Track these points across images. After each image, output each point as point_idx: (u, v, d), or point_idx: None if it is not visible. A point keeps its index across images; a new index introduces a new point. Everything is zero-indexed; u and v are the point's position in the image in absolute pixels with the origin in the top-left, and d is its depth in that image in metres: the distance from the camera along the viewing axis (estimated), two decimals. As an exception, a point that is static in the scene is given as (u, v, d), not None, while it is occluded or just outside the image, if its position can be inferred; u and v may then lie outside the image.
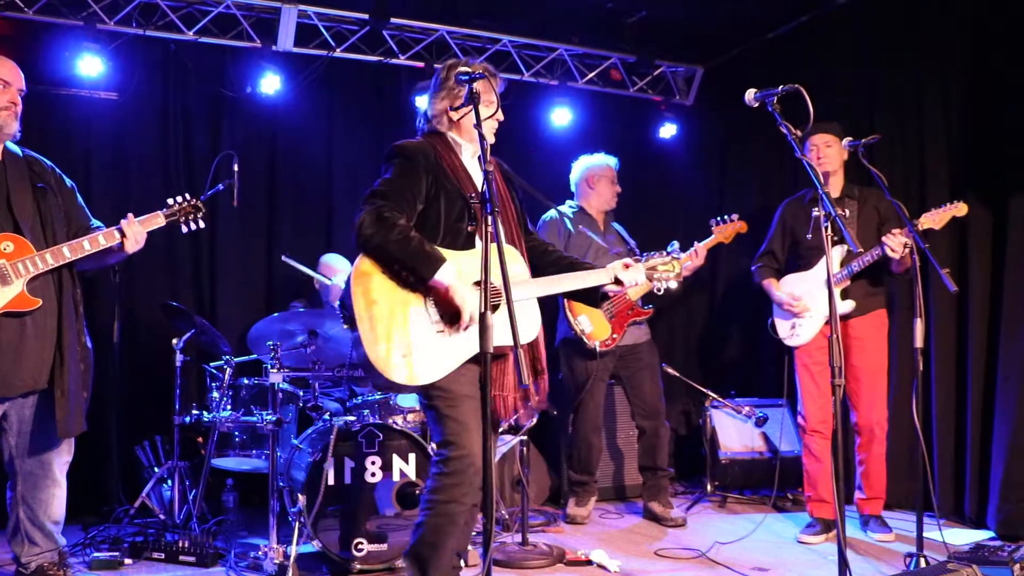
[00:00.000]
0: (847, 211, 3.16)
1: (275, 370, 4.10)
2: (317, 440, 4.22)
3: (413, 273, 2.99)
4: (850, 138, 3.94)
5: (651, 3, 5.86)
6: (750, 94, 3.29)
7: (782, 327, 4.84)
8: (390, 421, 4.49)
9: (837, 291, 4.57)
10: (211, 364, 4.79)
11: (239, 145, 4.84)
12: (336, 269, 5.46)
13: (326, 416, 4.42)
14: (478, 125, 2.64)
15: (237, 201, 3.98)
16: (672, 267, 3.39)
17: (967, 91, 5.05)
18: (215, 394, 4.60)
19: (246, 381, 4.67)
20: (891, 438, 5.33)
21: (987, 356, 4.87)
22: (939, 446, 5.06)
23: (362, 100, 6.25)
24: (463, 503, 3.01)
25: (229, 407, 4.56)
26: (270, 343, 4.19)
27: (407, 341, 2.96)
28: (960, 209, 4.32)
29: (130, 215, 3.66)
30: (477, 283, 3.00)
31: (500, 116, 3.21)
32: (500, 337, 2.90)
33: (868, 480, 4.73)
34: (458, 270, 3.00)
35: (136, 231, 3.63)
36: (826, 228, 3.03)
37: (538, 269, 3.32)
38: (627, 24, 6.08)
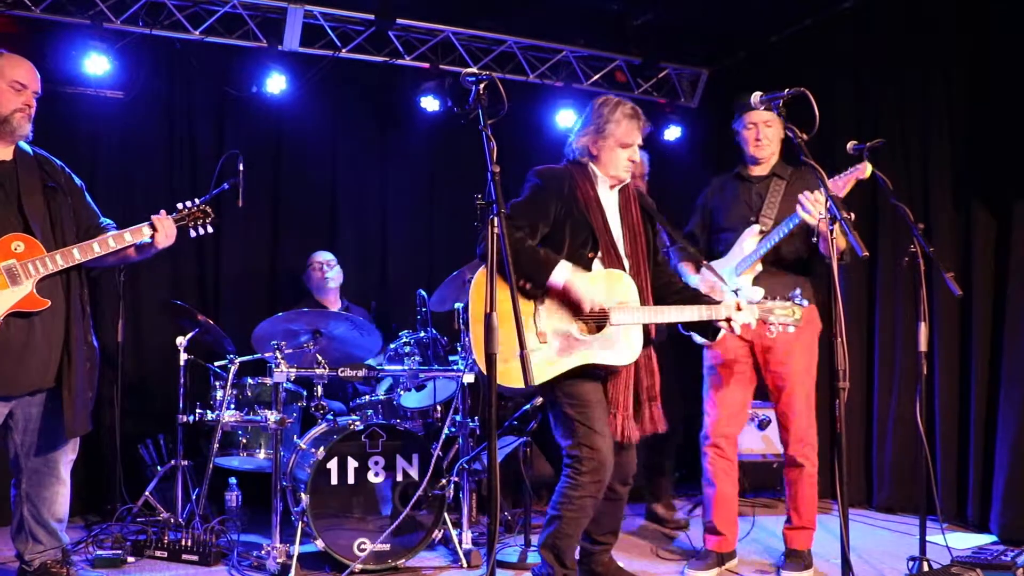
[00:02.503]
0: (852, 215, 3.10)
1: (279, 369, 4.11)
2: (320, 440, 4.23)
3: (530, 280, 3.21)
4: (855, 141, 3.93)
5: (656, 6, 5.87)
6: (756, 97, 3.29)
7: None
8: (394, 421, 4.51)
9: (749, 277, 4.05)
10: (215, 363, 4.81)
11: (244, 144, 4.84)
12: (330, 262, 5.58)
13: (330, 416, 4.43)
14: (484, 127, 2.66)
15: (242, 201, 3.99)
16: (791, 312, 3.43)
17: (970, 95, 5.06)
18: (219, 393, 4.61)
19: (250, 380, 4.68)
20: (895, 442, 5.36)
21: (990, 360, 4.87)
22: (942, 450, 5.07)
23: (367, 100, 6.27)
24: (596, 497, 3.33)
25: (233, 406, 4.57)
26: (274, 343, 4.20)
27: (512, 348, 2.93)
28: (863, 171, 3.82)
29: (163, 211, 3.68)
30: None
31: (636, 157, 3.46)
32: (609, 356, 3.28)
33: (796, 507, 4.12)
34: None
35: (167, 226, 3.66)
36: (831, 232, 3.01)
37: (659, 300, 3.50)
38: (632, 26, 6.09)
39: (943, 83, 5.21)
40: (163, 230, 3.64)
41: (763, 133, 4.11)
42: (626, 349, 3.31)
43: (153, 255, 3.74)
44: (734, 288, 3.88)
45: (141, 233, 3.62)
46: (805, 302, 3.47)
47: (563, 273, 3.24)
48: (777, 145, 4.17)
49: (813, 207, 3.74)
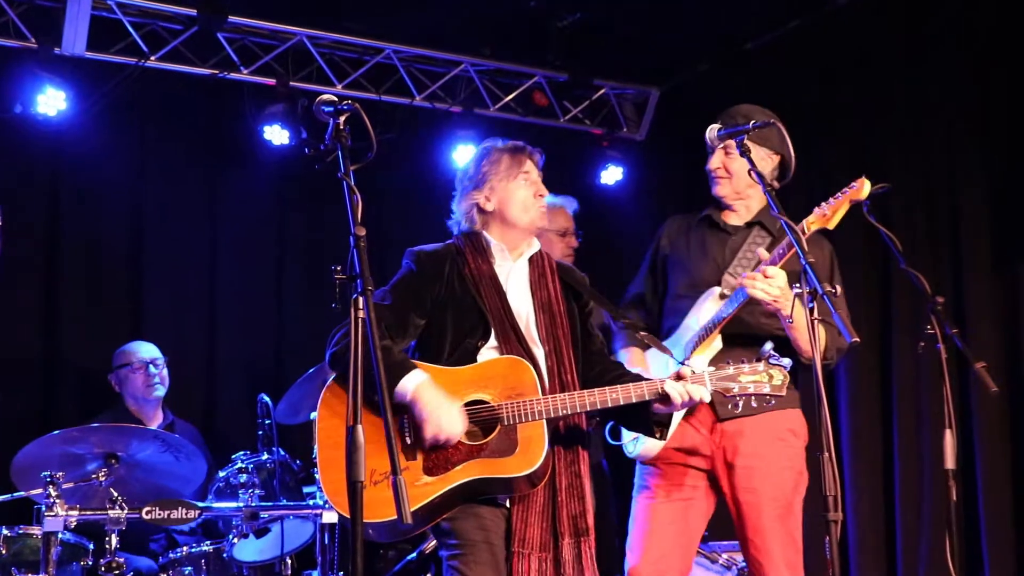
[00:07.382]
0: (838, 288, 3.14)
1: (52, 513, 4.07)
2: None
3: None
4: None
5: (589, 3, 6.01)
6: (712, 131, 3.46)
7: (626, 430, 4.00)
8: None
9: (704, 357, 3.89)
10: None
11: (4, 185, 4.83)
12: (157, 361, 5.55)
13: (128, 579, 4.38)
14: (344, 175, 2.74)
15: (-2, 266, 4.01)
16: (765, 376, 3.39)
17: (1015, 116, 5.24)
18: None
19: (6, 531, 4.57)
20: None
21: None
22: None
23: (188, 128, 6.33)
24: None
25: (-20, 570, 4.49)
26: (47, 474, 4.15)
27: (374, 472, 3.15)
28: (859, 190, 3.73)
29: None
30: (473, 403, 3.37)
31: (544, 192, 3.66)
32: (504, 466, 3.31)
33: None
34: (445, 384, 3.33)
35: None
36: (811, 310, 3.12)
37: (586, 385, 3.55)
38: (557, 30, 6.22)
39: (976, 105, 5.43)
40: None
41: (727, 167, 3.96)
42: (525, 456, 3.35)
43: None
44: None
45: None
46: (786, 362, 3.42)
47: (412, 383, 3.29)
48: (750, 182, 3.89)
49: (765, 288, 3.63)
